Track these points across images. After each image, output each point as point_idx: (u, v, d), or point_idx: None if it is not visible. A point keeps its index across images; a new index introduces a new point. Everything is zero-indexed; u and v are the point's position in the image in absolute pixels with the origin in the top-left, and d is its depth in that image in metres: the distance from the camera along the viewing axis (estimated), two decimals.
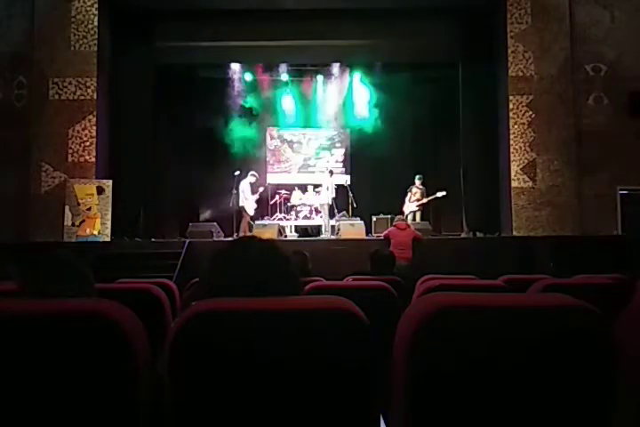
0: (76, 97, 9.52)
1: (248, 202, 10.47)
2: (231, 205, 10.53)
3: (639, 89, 9.63)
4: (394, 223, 8.50)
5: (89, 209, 9.12)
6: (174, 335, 1.07)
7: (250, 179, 10.56)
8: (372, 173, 12.04)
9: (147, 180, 10.23)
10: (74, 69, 9.53)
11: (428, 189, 10.40)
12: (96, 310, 1.07)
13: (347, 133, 12.95)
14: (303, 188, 11.88)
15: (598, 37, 9.81)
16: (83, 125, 9.50)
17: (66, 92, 9.52)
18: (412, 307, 1.15)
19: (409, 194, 10.50)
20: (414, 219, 10.10)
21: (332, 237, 9.91)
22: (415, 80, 11.00)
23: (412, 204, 10.41)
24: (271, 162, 12.98)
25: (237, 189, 10.56)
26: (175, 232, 10.98)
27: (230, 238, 9.34)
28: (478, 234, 9.79)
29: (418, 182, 10.48)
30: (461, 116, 10.53)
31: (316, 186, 11.41)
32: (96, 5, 9.63)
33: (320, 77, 12.45)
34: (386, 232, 8.32)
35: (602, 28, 9.82)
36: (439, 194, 10.31)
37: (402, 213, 10.09)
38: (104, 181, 9.36)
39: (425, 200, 10.34)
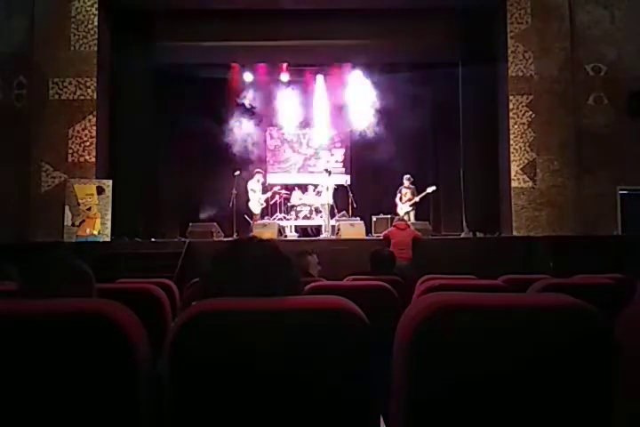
0: (75, 97, 9.52)
1: (252, 202, 10.60)
2: (231, 205, 10.55)
3: (639, 89, 9.63)
4: (394, 223, 8.51)
5: (89, 209, 9.12)
6: (174, 335, 1.07)
7: (257, 177, 10.77)
8: (372, 172, 12.04)
9: (147, 180, 10.24)
10: (74, 69, 9.52)
11: (422, 189, 10.40)
12: (96, 310, 1.07)
13: (347, 133, 12.94)
14: (303, 188, 11.89)
15: (598, 37, 9.80)
16: (83, 125, 9.49)
17: (66, 92, 9.52)
18: (411, 307, 1.15)
19: (399, 195, 10.51)
20: (409, 219, 10.10)
21: (332, 237, 9.91)
22: (415, 80, 10.99)
23: (404, 204, 10.41)
24: (271, 162, 12.98)
25: (237, 189, 10.63)
26: (175, 232, 10.98)
27: (230, 238, 9.35)
28: (478, 234, 9.78)
29: (407, 183, 10.47)
30: (461, 116, 10.52)
31: (315, 186, 11.43)
32: (96, 5, 9.62)
33: (320, 77, 12.45)
34: (386, 232, 8.33)
35: (602, 28, 9.81)
36: (429, 189, 10.31)
37: (396, 214, 10.10)
38: (104, 181, 9.36)
39: (417, 198, 10.34)
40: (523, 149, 9.66)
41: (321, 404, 1.07)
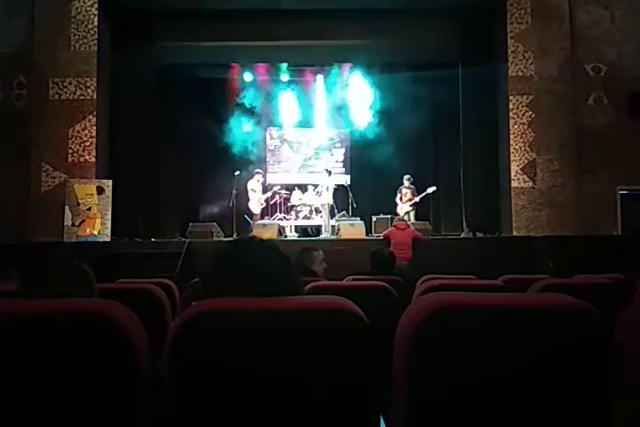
0: (75, 97, 9.52)
1: (252, 202, 10.61)
2: (231, 205, 10.55)
3: (639, 89, 9.63)
4: (394, 223, 8.51)
5: (89, 209, 9.12)
6: (174, 335, 1.07)
7: (257, 177, 10.75)
8: (372, 173, 12.04)
9: (147, 179, 10.24)
10: (74, 69, 9.52)
11: (422, 189, 10.41)
12: (96, 310, 1.07)
13: (347, 133, 12.94)
14: (303, 188, 11.89)
15: (598, 37, 9.80)
16: (83, 125, 9.49)
17: (66, 92, 9.52)
18: (411, 307, 1.15)
19: (399, 195, 10.52)
20: (409, 219, 10.10)
21: (332, 237, 9.91)
22: (415, 80, 10.99)
23: (404, 204, 10.42)
24: (271, 162, 12.97)
25: (237, 189, 10.63)
26: (175, 232, 10.97)
27: (230, 238, 9.35)
28: (478, 234, 9.78)
29: (407, 183, 10.48)
30: (461, 116, 10.52)
31: (315, 186, 11.43)
32: (96, 5, 9.62)
33: (320, 77, 12.45)
34: (386, 232, 8.33)
35: (602, 28, 9.81)
36: (429, 190, 10.32)
37: (396, 214, 10.11)
38: (104, 181, 9.36)
39: (417, 198, 10.34)
40: (523, 149, 9.66)
41: (321, 404, 1.07)
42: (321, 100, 12.60)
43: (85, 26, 9.59)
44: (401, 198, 10.50)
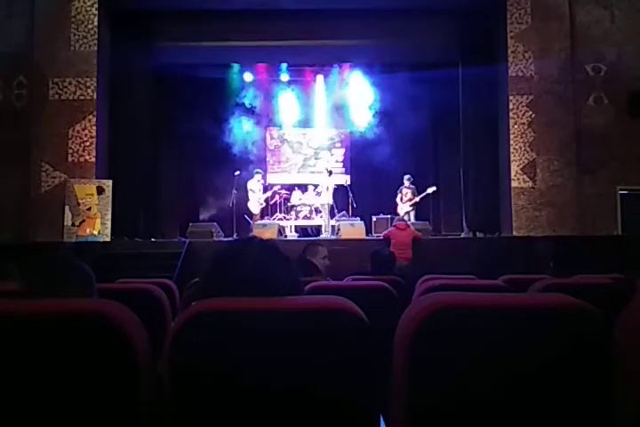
0: (75, 97, 9.52)
1: (251, 202, 10.61)
2: (231, 205, 10.56)
3: (639, 89, 9.62)
4: (394, 223, 8.52)
5: (89, 209, 9.12)
6: (174, 335, 1.07)
7: (257, 177, 10.76)
8: (372, 173, 12.04)
9: (147, 180, 10.24)
10: (74, 69, 9.52)
11: (423, 189, 10.41)
12: (96, 310, 1.07)
13: (347, 133, 12.95)
14: (303, 188, 11.90)
15: (598, 37, 9.80)
16: (83, 125, 9.49)
17: (66, 92, 9.52)
18: (412, 307, 1.15)
19: (399, 195, 10.54)
20: (409, 219, 10.11)
21: (332, 237, 9.91)
22: (415, 80, 10.99)
23: (404, 204, 10.43)
24: (271, 162, 12.99)
25: (238, 189, 10.64)
26: (175, 232, 10.98)
27: (230, 238, 9.36)
28: (478, 234, 9.78)
29: (407, 183, 10.51)
30: (461, 116, 10.51)
31: (316, 186, 11.44)
32: (96, 5, 9.62)
33: (320, 77, 12.46)
34: (386, 232, 8.34)
35: (602, 28, 9.81)
36: (429, 190, 10.34)
37: (397, 214, 10.12)
38: (104, 181, 9.36)
39: (417, 198, 10.37)
40: (523, 149, 9.65)
41: (321, 404, 1.07)
42: (321, 100, 12.61)
43: (85, 26, 9.60)
44: (401, 198, 10.51)
